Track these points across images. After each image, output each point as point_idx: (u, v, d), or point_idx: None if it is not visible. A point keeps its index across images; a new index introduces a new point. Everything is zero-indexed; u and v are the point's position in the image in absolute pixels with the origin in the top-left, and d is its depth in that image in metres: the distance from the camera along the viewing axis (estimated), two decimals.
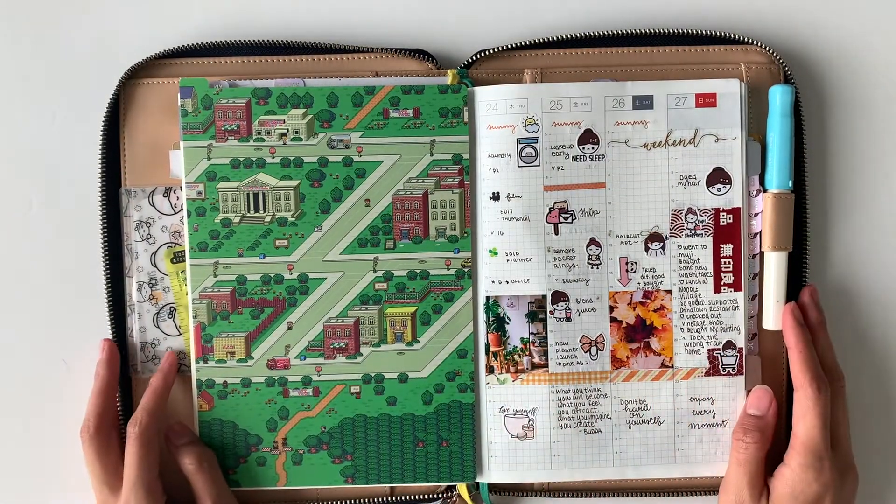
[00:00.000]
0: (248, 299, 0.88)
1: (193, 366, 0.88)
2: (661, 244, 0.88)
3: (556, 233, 0.88)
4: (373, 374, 0.89)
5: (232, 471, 0.88)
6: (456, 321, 0.89)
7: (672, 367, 0.89)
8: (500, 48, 0.89)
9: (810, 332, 0.87)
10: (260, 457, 0.89)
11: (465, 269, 0.88)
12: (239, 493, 0.89)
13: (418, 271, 0.88)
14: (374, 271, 0.88)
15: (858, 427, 0.90)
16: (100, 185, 0.88)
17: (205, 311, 0.87)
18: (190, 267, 0.87)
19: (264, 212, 0.87)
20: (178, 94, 0.86)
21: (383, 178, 0.87)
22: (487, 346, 0.88)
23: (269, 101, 0.87)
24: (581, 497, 0.91)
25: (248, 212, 0.87)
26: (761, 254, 0.89)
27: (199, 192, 0.87)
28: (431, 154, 0.88)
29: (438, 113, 0.87)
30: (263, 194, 0.87)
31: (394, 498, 0.90)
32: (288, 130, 0.87)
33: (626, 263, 0.88)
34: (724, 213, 0.88)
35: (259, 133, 0.87)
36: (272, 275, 0.87)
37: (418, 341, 0.89)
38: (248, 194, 0.87)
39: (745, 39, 0.89)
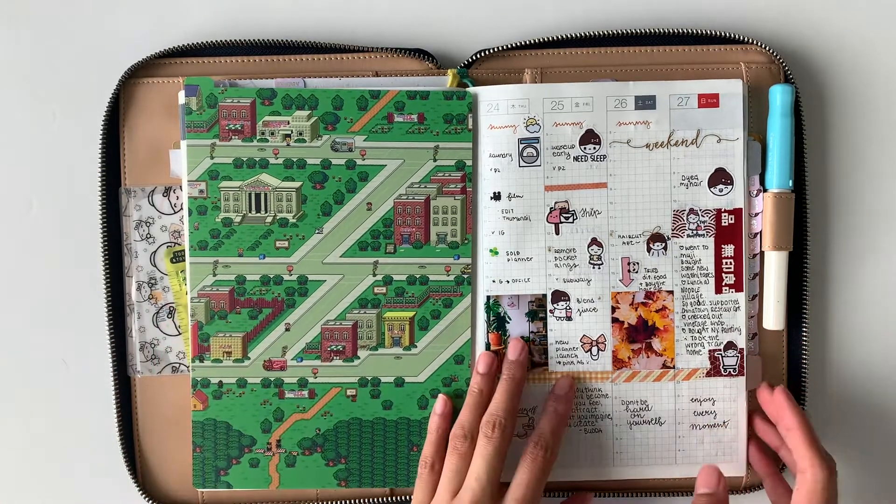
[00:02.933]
0: (247, 299, 0.86)
1: (189, 365, 0.87)
2: (663, 244, 0.87)
3: (557, 233, 0.86)
4: (369, 378, 0.87)
5: (224, 472, 0.87)
6: (454, 327, 0.87)
7: (673, 367, 0.87)
8: (500, 48, 0.88)
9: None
10: (253, 458, 0.87)
11: (465, 276, 0.87)
12: (238, 495, 0.88)
13: (418, 276, 0.87)
14: (374, 275, 0.87)
15: (854, 427, 0.90)
16: (100, 184, 0.87)
17: (203, 309, 0.86)
18: (189, 265, 0.86)
19: (266, 212, 0.86)
20: (183, 92, 0.85)
21: (386, 182, 0.86)
22: (488, 346, 0.87)
23: (273, 102, 0.85)
24: None
25: (250, 212, 0.85)
26: (762, 253, 0.88)
27: (201, 191, 0.85)
28: (434, 160, 0.86)
29: (443, 119, 0.86)
30: (265, 195, 0.85)
31: (393, 499, 0.89)
32: (292, 132, 0.85)
33: (628, 264, 0.87)
34: (726, 214, 0.86)
35: (263, 133, 0.85)
36: (272, 275, 0.86)
37: (416, 346, 0.87)
38: (249, 194, 0.85)
39: (745, 39, 0.88)
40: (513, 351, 0.86)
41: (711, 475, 0.84)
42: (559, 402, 0.85)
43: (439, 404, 0.86)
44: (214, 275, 0.86)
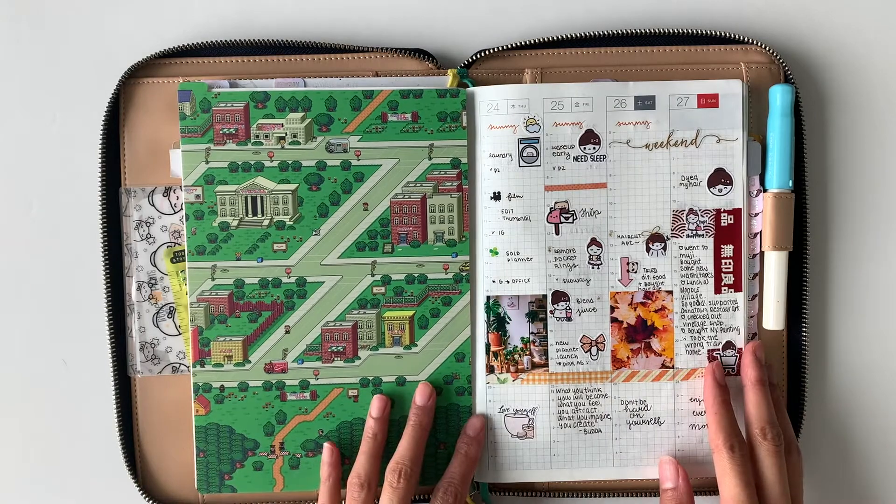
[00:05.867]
0: (246, 303, 0.84)
1: (191, 370, 0.85)
2: (663, 245, 0.85)
3: (557, 233, 0.85)
4: (370, 378, 0.86)
5: (228, 475, 0.86)
6: (454, 325, 0.85)
7: (672, 367, 0.86)
8: (500, 48, 0.86)
9: (747, 390, 0.83)
10: (257, 461, 0.86)
11: (463, 274, 0.85)
12: (239, 495, 0.86)
13: (416, 275, 0.85)
14: (373, 275, 0.85)
15: (854, 427, 0.89)
16: (100, 184, 0.86)
17: (202, 314, 0.84)
18: (188, 270, 0.84)
19: (262, 215, 0.84)
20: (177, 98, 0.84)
21: (381, 181, 0.84)
22: (488, 346, 0.85)
23: (267, 105, 0.84)
24: (581, 497, 0.88)
25: (246, 215, 0.84)
26: (761, 253, 0.86)
27: (198, 196, 0.84)
28: (430, 158, 0.84)
29: (437, 117, 0.84)
30: (261, 198, 0.84)
31: None
32: (286, 134, 0.84)
33: (627, 264, 0.85)
34: (725, 214, 0.85)
35: (257, 137, 0.84)
36: (270, 278, 0.84)
37: (416, 345, 0.86)
38: (246, 198, 0.84)
39: (745, 39, 0.86)
40: (420, 396, 0.84)
41: (671, 468, 0.83)
42: (471, 445, 0.83)
43: (326, 453, 0.84)
44: (213, 279, 0.84)
